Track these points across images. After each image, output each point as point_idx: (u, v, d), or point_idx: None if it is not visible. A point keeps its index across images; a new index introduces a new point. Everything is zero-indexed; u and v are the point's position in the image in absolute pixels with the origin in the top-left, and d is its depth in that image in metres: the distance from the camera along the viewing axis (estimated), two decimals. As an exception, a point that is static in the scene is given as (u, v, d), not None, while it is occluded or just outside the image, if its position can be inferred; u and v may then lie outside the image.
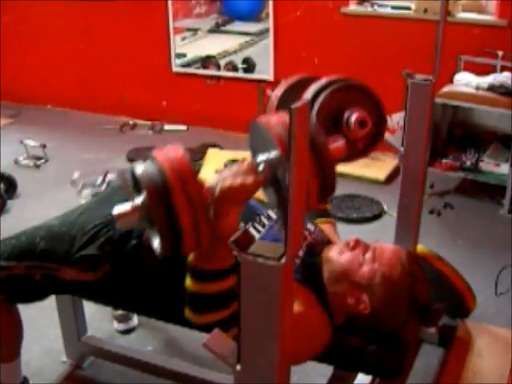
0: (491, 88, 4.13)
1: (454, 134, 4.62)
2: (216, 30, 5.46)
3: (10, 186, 4.32)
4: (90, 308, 2.75)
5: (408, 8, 4.78)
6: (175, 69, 5.69)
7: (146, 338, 2.94)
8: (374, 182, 4.56)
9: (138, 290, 2.06)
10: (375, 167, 4.69)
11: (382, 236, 3.28)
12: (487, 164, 4.36)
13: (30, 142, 4.99)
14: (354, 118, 1.81)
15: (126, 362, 2.67)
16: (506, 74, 4.22)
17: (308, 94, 1.86)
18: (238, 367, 1.33)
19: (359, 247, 1.94)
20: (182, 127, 5.71)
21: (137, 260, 2.00)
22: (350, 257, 1.92)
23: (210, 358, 1.43)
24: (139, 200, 1.49)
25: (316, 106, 1.81)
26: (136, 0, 5.52)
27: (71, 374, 2.72)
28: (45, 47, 6.09)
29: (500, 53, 4.37)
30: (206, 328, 1.47)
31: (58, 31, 5.97)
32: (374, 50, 4.87)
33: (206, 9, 5.41)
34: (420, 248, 2.55)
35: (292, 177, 1.13)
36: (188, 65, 5.65)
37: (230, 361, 1.34)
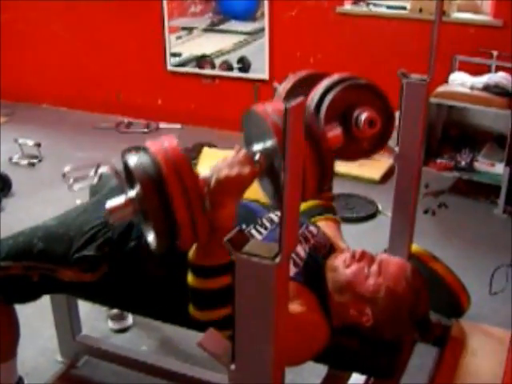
0: (486, 88, 4.13)
1: (449, 133, 4.63)
2: (211, 29, 5.45)
3: (5, 184, 4.31)
4: (84, 307, 2.75)
5: (403, 8, 4.79)
6: (170, 68, 5.69)
7: (140, 338, 2.94)
8: (369, 181, 4.56)
9: (136, 291, 2.06)
10: (370, 167, 4.69)
11: (376, 236, 3.29)
12: (482, 164, 4.37)
13: (25, 141, 4.99)
14: (363, 117, 1.79)
15: (120, 362, 2.67)
16: (501, 73, 4.22)
17: (319, 89, 1.85)
18: (233, 366, 1.32)
19: (365, 259, 1.92)
20: (177, 126, 5.70)
21: (135, 261, 1.99)
22: (355, 269, 1.90)
23: (204, 357, 1.43)
24: (133, 193, 1.46)
25: (326, 102, 1.80)
26: (131, -1, 5.53)
27: (66, 374, 2.72)
28: (40, 46, 6.08)
29: (495, 53, 4.38)
30: (203, 327, 1.46)
31: (54, 30, 5.96)
32: (369, 49, 4.87)
33: (202, 8, 5.41)
34: (415, 247, 2.55)
35: (286, 176, 1.13)
36: (183, 64, 5.65)
37: (224, 360, 1.34)
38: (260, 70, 5.33)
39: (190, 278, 1.63)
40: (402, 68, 2.10)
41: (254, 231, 1.96)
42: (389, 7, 4.87)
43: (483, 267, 3.38)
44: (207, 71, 5.59)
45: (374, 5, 4.95)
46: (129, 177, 1.49)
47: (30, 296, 2.15)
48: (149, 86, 5.83)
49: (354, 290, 1.88)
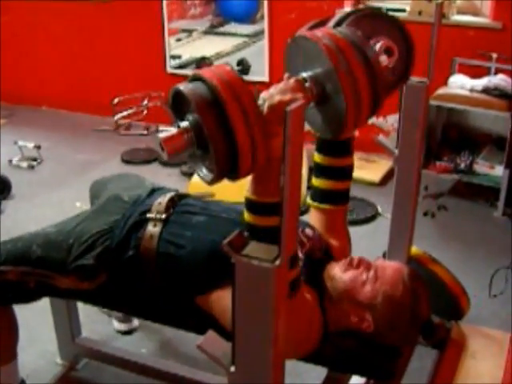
0: (485, 90, 4.13)
1: (449, 136, 4.63)
2: (211, 31, 5.45)
3: (4, 187, 4.31)
4: (84, 310, 2.75)
5: (403, 10, 4.78)
6: (170, 70, 5.68)
7: (140, 340, 2.94)
8: (369, 183, 4.56)
9: (135, 298, 2.06)
10: (370, 169, 4.70)
11: (376, 238, 3.29)
12: (481, 166, 4.37)
13: (25, 143, 4.99)
14: (379, 45, 1.72)
15: (120, 364, 2.67)
16: (501, 76, 4.22)
17: (332, 22, 1.79)
18: (232, 369, 1.32)
19: (362, 266, 1.92)
20: (177, 128, 5.70)
21: (134, 270, 1.99)
22: (352, 276, 1.89)
23: (204, 359, 1.43)
24: (186, 123, 1.40)
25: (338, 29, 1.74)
26: (131, 1, 5.52)
27: (65, 376, 2.72)
28: (40, 48, 6.08)
29: (494, 55, 4.38)
30: (203, 329, 1.46)
31: (53, 32, 5.96)
32: (368, 51, 4.87)
33: (201, 10, 5.41)
34: (414, 250, 2.55)
35: (286, 180, 1.13)
36: (183, 66, 5.64)
37: (224, 363, 1.34)
38: (260, 73, 5.33)
39: (248, 216, 1.58)
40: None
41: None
42: (388, 9, 4.86)
43: (483, 269, 3.38)
44: (207, 73, 5.58)
45: (374, 7, 4.95)
46: (179, 108, 1.45)
47: (27, 298, 2.15)
48: (148, 89, 5.82)
49: (352, 297, 1.88)
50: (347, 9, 1.80)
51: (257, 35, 5.26)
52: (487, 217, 4.17)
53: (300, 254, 1.94)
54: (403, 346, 2.08)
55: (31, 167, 4.92)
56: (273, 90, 1.51)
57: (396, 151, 2.20)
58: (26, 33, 6.05)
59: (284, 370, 1.38)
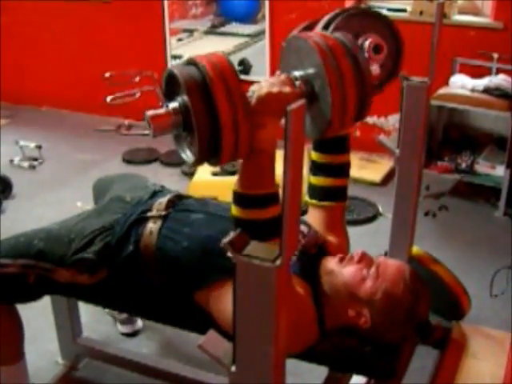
0: (487, 90, 4.13)
1: (450, 136, 4.63)
2: (212, 31, 5.46)
3: (6, 186, 4.31)
4: (85, 309, 2.75)
5: (404, 10, 4.78)
6: (171, 70, 5.68)
7: (141, 340, 2.94)
8: (370, 183, 4.55)
9: (135, 295, 2.07)
10: (371, 169, 4.70)
11: (377, 238, 3.29)
12: (482, 166, 4.37)
13: (26, 143, 4.99)
14: (367, 43, 1.75)
15: (121, 364, 2.67)
16: (502, 76, 4.23)
17: (321, 23, 1.82)
18: (233, 369, 1.33)
19: (364, 261, 1.91)
20: (178, 128, 5.70)
21: (133, 266, 2.01)
22: (353, 270, 1.88)
23: (205, 359, 1.43)
24: (175, 104, 1.47)
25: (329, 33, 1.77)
26: (132, 1, 5.52)
27: (66, 376, 2.72)
28: (41, 48, 6.08)
29: (495, 55, 4.38)
30: (204, 329, 1.46)
31: (54, 32, 5.96)
32: (369, 51, 4.87)
33: (202, 10, 5.41)
34: (415, 250, 2.55)
35: (287, 179, 1.13)
36: (184, 66, 5.64)
37: (225, 362, 1.34)
38: (261, 72, 5.32)
39: (235, 210, 1.61)
40: (402, 70, 2.10)
41: None
42: (389, 9, 4.87)
43: (484, 269, 3.38)
44: (208, 73, 5.58)
45: (375, 7, 4.95)
46: (171, 88, 1.50)
47: (26, 297, 2.16)
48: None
49: (351, 291, 1.87)
50: (337, 10, 1.81)
51: (258, 35, 5.26)
52: (488, 217, 4.17)
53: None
54: (399, 344, 2.07)
55: (32, 167, 4.92)
56: (263, 82, 1.54)
57: (397, 151, 2.20)
58: (27, 33, 6.05)
59: (285, 370, 1.38)
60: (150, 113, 1.48)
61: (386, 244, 2.36)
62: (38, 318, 2.77)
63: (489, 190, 4.29)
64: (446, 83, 4.34)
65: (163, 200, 2.11)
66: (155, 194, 2.24)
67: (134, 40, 5.69)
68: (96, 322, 2.99)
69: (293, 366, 1.72)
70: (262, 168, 1.55)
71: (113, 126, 5.77)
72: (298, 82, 1.54)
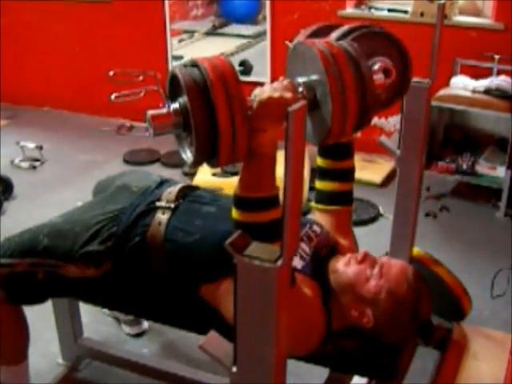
0: (488, 91, 4.13)
1: (451, 137, 4.63)
2: (213, 32, 5.46)
3: (7, 187, 4.31)
4: (86, 310, 2.75)
5: (405, 11, 4.78)
6: (172, 71, 5.69)
7: (142, 341, 2.94)
8: (371, 184, 4.56)
9: (140, 289, 2.05)
10: (371, 170, 4.70)
11: (378, 239, 3.29)
12: (483, 167, 4.36)
13: (27, 144, 4.99)
14: (377, 66, 1.75)
15: (122, 365, 2.67)
16: (503, 77, 4.22)
17: (332, 37, 1.80)
18: (234, 369, 1.33)
19: (367, 261, 1.92)
20: (179, 129, 5.71)
21: (139, 257, 1.99)
22: (356, 270, 1.90)
23: (206, 360, 1.43)
24: (176, 105, 1.49)
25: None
26: (133, 2, 5.52)
27: (67, 376, 2.72)
28: (42, 49, 6.08)
29: (496, 56, 4.38)
30: (206, 329, 1.46)
31: (56, 33, 5.96)
32: (370, 52, 4.87)
33: (203, 11, 5.41)
34: (416, 251, 2.55)
35: (288, 179, 1.13)
36: (185, 67, 5.64)
37: (225, 363, 1.34)
38: (262, 73, 5.32)
39: (235, 213, 1.63)
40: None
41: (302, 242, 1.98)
42: (390, 10, 4.87)
43: (484, 270, 3.38)
44: (209, 74, 5.58)
45: (376, 8, 4.95)
46: (174, 89, 1.53)
47: (36, 296, 2.15)
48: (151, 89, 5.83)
49: (354, 291, 1.88)
50: (345, 27, 1.81)
51: (259, 36, 5.26)
52: (489, 218, 4.17)
53: (308, 249, 1.96)
54: (401, 345, 2.08)
55: (33, 168, 4.92)
56: (265, 87, 1.54)
57: (398, 152, 2.20)
58: (28, 34, 6.05)
59: (286, 371, 1.38)
60: (151, 112, 1.52)
61: (386, 245, 2.36)
62: (39, 318, 2.77)
63: (490, 191, 4.29)
64: (447, 84, 4.34)
65: (173, 190, 2.10)
66: (162, 183, 2.24)
67: (134, 41, 5.69)
68: (97, 322, 2.99)
69: (293, 366, 1.72)
70: (263, 171, 1.56)
71: (114, 127, 5.76)
72: (300, 88, 1.54)
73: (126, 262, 2.02)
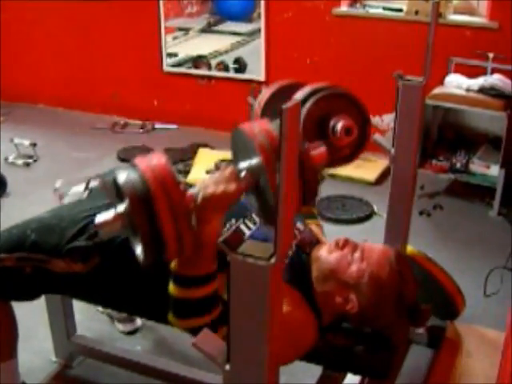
0: (482, 90, 4.14)
1: (445, 135, 4.64)
2: (207, 29, 5.45)
3: (0, 184, 4.31)
4: (79, 307, 2.74)
5: (399, 10, 4.79)
6: (166, 68, 5.68)
7: (135, 338, 2.94)
8: (365, 182, 4.56)
9: (128, 285, 2.05)
10: (365, 168, 4.70)
11: (371, 237, 3.28)
12: (477, 166, 4.37)
13: (21, 141, 4.98)
14: (339, 125, 1.84)
15: (115, 362, 2.67)
16: (497, 76, 4.23)
17: (296, 98, 1.87)
18: (227, 367, 1.33)
19: (348, 246, 1.95)
20: (173, 127, 5.70)
21: (127, 253, 1.98)
22: (338, 256, 1.93)
23: (199, 357, 1.43)
24: (122, 208, 1.49)
25: (301, 115, 1.83)
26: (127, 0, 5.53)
27: (60, 374, 2.72)
28: (36, 46, 6.07)
29: (491, 55, 4.39)
30: (193, 330, 1.47)
31: (50, 31, 5.95)
32: (365, 51, 4.88)
33: (198, 9, 5.41)
34: (409, 249, 2.55)
35: (283, 177, 1.13)
36: (179, 64, 5.64)
37: (219, 360, 1.34)
38: (256, 71, 5.33)
39: (172, 287, 1.65)
40: (398, 70, 2.11)
41: (242, 226, 1.97)
42: (385, 9, 4.88)
43: (478, 269, 3.39)
44: (203, 72, 5.58)
45: (371, 6, 4.96)
46: (118, 192, 1.52)
47: (25, 292, 2.14)
48: (145, 87, 5.83)
49: (337, 276, 1.90)
50: (307, 88, 1.89)
51: (253, 34, 5.26)
52: (483, 216, 4.18)
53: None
54: (391, 331, 2.08)
55: (27, 165, 4.91)
56: (208, 180, 1.59)
57: (392, 150, 2.21)
58: (23, 31, 6.04)
59: (279, 369, 1.38)
60: (98, 220, 1.52)
61: (380, 243, 2.36)
62: (31, 316, 2.77)
63: (483, 190, 4.30)
64: (442, 83, 4.35)
65: None
66: None
67: (129, 38, 5.69)
68: (90, 320, 2.99)
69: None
70: (204, 257, 1.59)
71: (108, 125, 5.76)
72: (243, 173, 1.55)
73: (114, 258, 2.01)
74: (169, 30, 5.54)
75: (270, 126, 1.55)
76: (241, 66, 5.41)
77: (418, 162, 2.30)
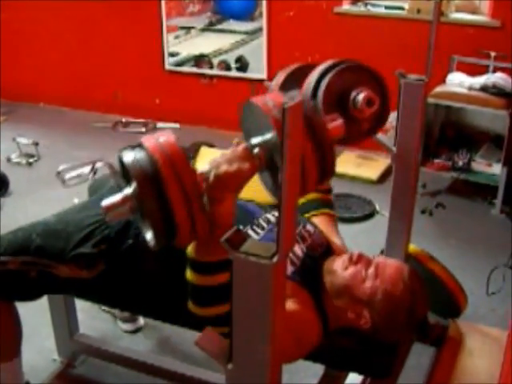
0: (484, 88, 4.14)
1: (447, 134, 4.64)
2: (209, 28, 5.45)
3: (2, 183, 4.31)
4: (81, 306, 2.75)
5: (401, 8, 4.79)
6: (168, 67, 5.68)
7: (138, 337, 2.94)
8: (367, 181, 4.56)
9: (134, 289, 2.06)
10: (368, 167, 4.70)
11: (374, 236, 3.29)
12: (479, 164, 4.37)
13: (23, 140, 4.98)
14: (361, 96, 1.79)
15: (118, 361, 2.67)
16: (499, 74, 4.23)
17: (314, 76, 1.84)
18: (230, 366, 1.32)
19: (362, 262, 1.91)
20: (175, 125, 5.70)
21: (133, 259, 1.99)
22: (352, 272, 1.89)
23: (202, 356, 1.43)
24: (129, 190, 1.42)
25: (322, 87, 1.80)
26: (129, -2, 5.53)
27: (63, 373, 2.72)
28: (38, 45, 6.07)
29: (493, 53, 4.38)
30: (200, 326, 1.46)
31: (52, 29, 5.96)
32: (367, 49, 4.87)
33: (200, 7, 5.41)
34: (412, 247, 2.55)
35: (284, 176, 1.13)
36: (181, 63, 5.64)
37: (221, 359, 1.34)
38: (258, 70, 5.33)
39: (189, 274, 1.61)
40: (399, 68, 2.10)
41: (250, 231, 1.96)
42: (387, 7, 4.87)
43: (480, 267, 3.39)
44: (205, 71, 5.58)
45: (372, 5, 4.95)
46: (125, 174, 1.46)
47: (29, 293, 2.15)
48: (147, 86, 5.83)
49: (351, 293, 1.88)
50: (329, 61, 1.86)
51: (255, 32, 5.26)
52: (485, 215, 4.18)
53: (300, 251, 1.95)
54: (398, 343, 2.08)
55: (29, 164, 4.92)
56: (220, 158, 1.51)
57: (394, 149, 2.20)
58: (25, 30, 6.04)
59: (281, 368, 1.38)
60: (105, 203, 1.43)
61: (382, 242, 2.36)
62: (34, 315, 2.77)
63: (485, 188, 4.30)
64: (443, 81, 4.35)
65: None
66: None
67: (131, 37, 5.69)
68: (92, 319, 2.99)
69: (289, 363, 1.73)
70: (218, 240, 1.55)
71: (110, 123, 5.76)
72: (257, 150, 1.50)
73: (119, 264, 2.02)
74: (170, 29, 5.54)
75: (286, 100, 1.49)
76: (242, 64, 5.41)
77: (420, 161, 2.29)
